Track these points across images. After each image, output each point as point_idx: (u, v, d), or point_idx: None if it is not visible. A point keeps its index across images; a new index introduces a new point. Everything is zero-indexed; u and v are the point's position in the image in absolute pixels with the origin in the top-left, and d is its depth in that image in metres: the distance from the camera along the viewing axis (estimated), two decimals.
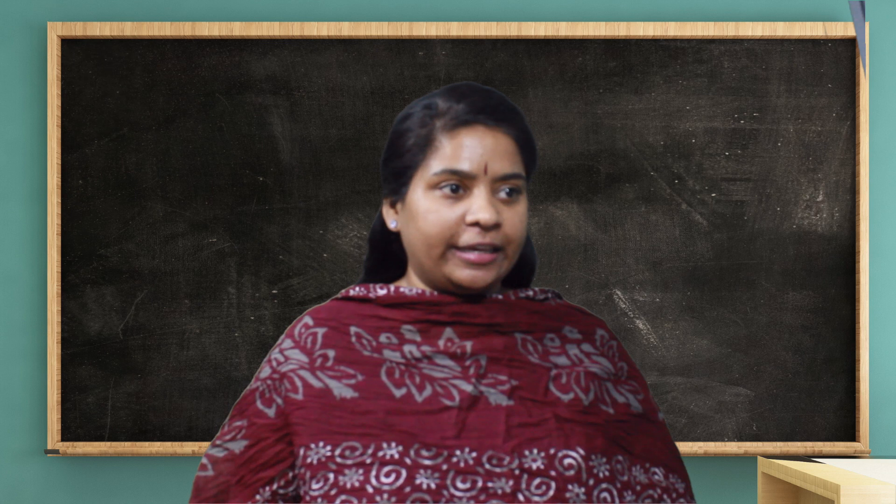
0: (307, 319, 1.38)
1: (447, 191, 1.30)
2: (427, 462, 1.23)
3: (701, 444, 2.75)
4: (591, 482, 1.26)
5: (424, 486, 1.22)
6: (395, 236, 1.39)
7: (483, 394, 1.29)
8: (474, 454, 1.24)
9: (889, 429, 2.82)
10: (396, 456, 1.24)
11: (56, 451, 2.74)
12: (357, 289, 1.38)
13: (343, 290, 1.40)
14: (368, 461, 1.24)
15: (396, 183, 1.35)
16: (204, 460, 1.35)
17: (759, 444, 2.76)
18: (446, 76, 2.77)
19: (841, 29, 2.76)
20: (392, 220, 1.38)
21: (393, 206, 1.37)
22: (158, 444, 2.75)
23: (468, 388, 1.29)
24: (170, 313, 2.76)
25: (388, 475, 1.23)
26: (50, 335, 2.73)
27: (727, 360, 2.77)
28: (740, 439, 2.77)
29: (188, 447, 2.74)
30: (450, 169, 1.30)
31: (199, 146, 2.77)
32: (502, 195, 1.31)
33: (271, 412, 1.32)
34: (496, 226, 1.30)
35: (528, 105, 2.77)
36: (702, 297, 2.78)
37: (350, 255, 2.77)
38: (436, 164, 1.31)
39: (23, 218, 2.80)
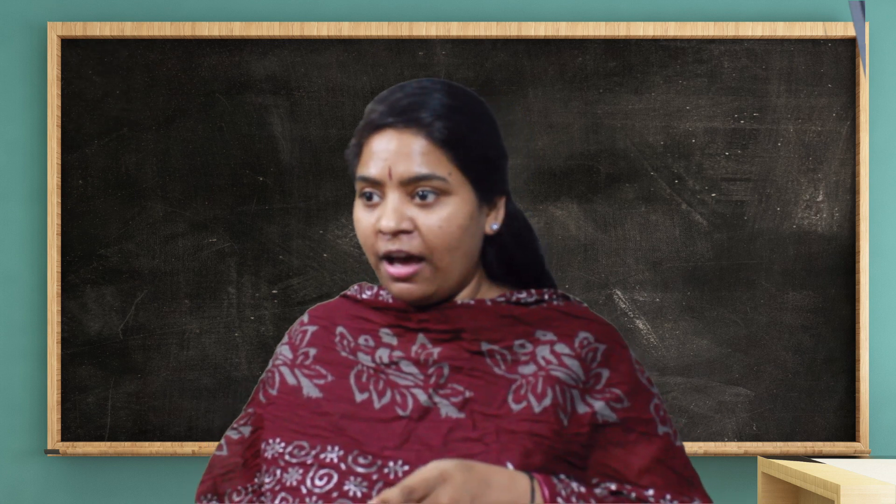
0: (304, 317, 1.42)
1: (365, 199, 1.28)
2: (360, 470, 1.24)
3: (701, 444, 2.75)
4: None
5: (351, 493, 1.23)
6: None
7: (436, 405, 1.27)
8: (406, 468, 1.23)
9: (889, 429, 2.82)
10: (335, 460, 1.25)
11: (56, 451, 2.74)
12: (355, 288, 1.40)
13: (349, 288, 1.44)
14: (309, 461, 1.26)
15: None
16: (221, 441, 1.41)
17: (759, 444, 2.76)
18: (446, 76, 2.77)
19: (841, 29, 2.76)
20: None
21: None
22: (158, 444, 2.74)
23: (422, 397, 1.27)
24: (170, 313, 2.76)
25: (321, 478, 1.25)
26: (50, 335, 2.73)
27: (727, 360, 2.77)
28: (740, 439, 2.77)
29: (188, 447, 2.74)
30: (360, 176, 1.28)
31: (199, 146, 2.77)
32: (418, 199, 1.25)
33: (265, 403, 1.38)
34: (405, 232, 1.25)
35: (528, 105, 2.77)
36: (702, 297, 2.78)
37: (350, 255, 2.77)
38: (356, 173, 1.30)
39: (23, 218, 2.80)
